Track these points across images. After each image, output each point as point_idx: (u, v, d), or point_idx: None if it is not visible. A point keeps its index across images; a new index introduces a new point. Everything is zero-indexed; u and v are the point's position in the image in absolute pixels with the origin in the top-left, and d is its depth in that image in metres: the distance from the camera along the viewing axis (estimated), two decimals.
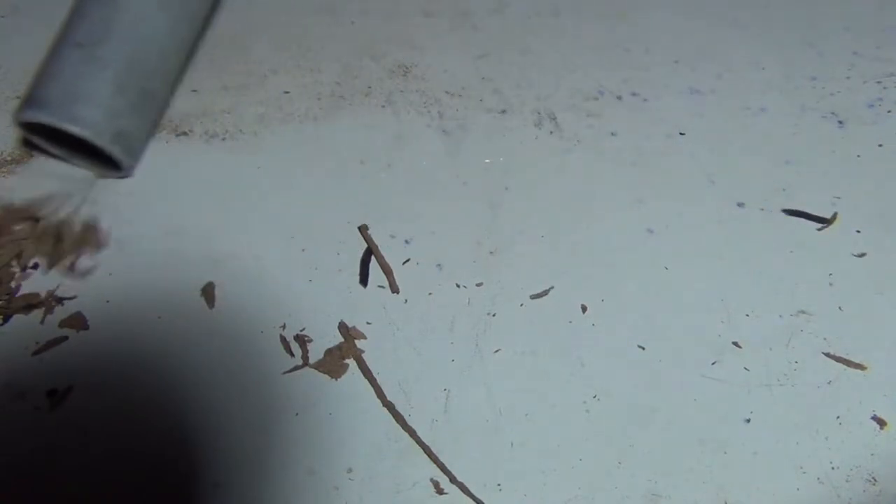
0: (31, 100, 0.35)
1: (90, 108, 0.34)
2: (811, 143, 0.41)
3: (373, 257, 0.36)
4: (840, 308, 0.35)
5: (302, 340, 0.34)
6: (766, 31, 0.46)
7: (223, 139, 0.40)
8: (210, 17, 0.44)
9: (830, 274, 0.36)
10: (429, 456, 0.31)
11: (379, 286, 0.35)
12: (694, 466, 0.31)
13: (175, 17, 0.38)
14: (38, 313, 0.34)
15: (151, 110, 0.38)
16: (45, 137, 0.36)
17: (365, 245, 0.37)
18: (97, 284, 0.34)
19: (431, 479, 0.31)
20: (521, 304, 0.35)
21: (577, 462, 0.31)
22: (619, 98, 0.43)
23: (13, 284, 0.34)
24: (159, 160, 0.39)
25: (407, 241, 0.37)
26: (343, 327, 0.34)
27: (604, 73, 0.44)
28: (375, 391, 0.32)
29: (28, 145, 0.39)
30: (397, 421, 0.32)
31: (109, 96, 0.35)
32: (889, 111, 0.43)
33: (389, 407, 0.32)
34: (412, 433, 0.31)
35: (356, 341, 0.34)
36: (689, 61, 0.45)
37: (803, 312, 0.35)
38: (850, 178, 0.40)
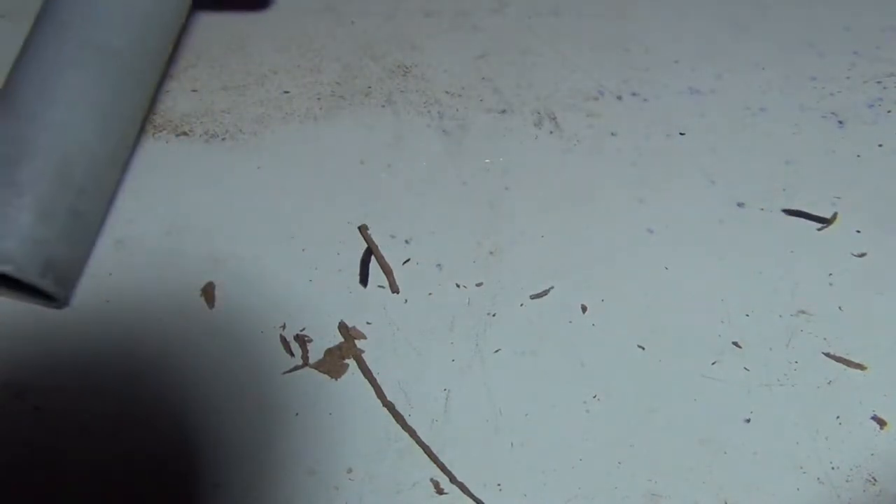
0: None
1: (10, 240, 0.29)
2: (811, 143, 0.41)
3: (373, 257, 0.36)
4: (840, 308, 0.35)
5: (302, 340, 0.34)
6: (766, 31, 0.46)
7: (223, 139, 0.40)
8: (156, 92, 0.38)
9: (830, 274, 0.36)
10: (429, 456, 0.31)
11: (379, 286, 0.35)
12: (694, 466, 0.31)
13: (107, 117, 0.32)
14: None
15: (86, 230, 0.33)
16: None
17: (365, 245, 0.37)
18: (97, 284, 0.34)
19: (431, 479, 0.31)
20: (521, 304, 0.35)
21: (577, 462, 0.31)
22: (619, 98, 0.43)
23: None
24: (159, 160, 0.39)
25: (407, 241, 0.37)
26: (343, 327, 0.34)
27: (604, 73, 0.44)
28: (375, 391, 0.32)
29: None
30: (397, 421, 0.32)
31: (31, 225, 0.30)
32: (889, 111, 0.43)
33: (389, 407, 0.32)
34: (412, 433, 0.31)
35: (356, 341, 0.34)
36: (689, 61, 0.45)
37: (803, 312, 0.35)
38: (850, 178, 0.40)
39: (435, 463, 0.31)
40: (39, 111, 0.31)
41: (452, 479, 0.30)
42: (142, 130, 0.37)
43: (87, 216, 0.32)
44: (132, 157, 0.38)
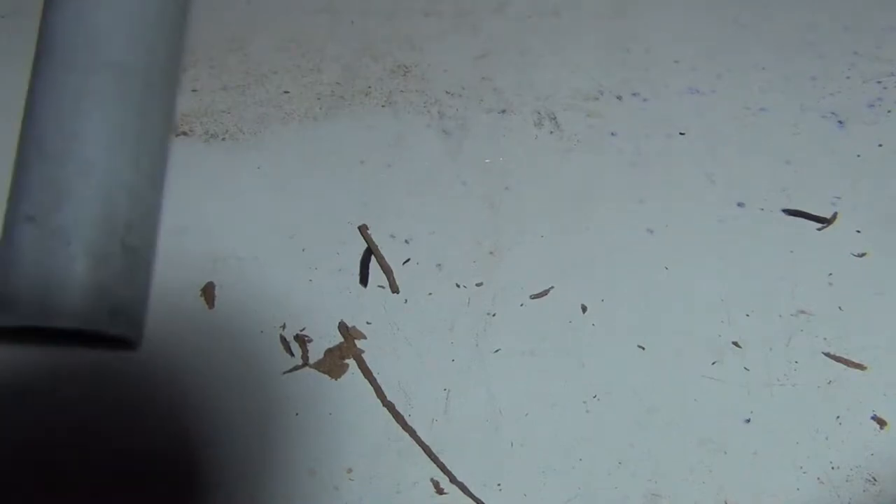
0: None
1: (68, 293, 0.27)
2: (811, 143, 0.41)
3: (373, 257, 0.36)
4: (840, 308, 0.35)
5: (302, 340, 0.34)
6: (766, 31, 0.46)
7: (223, 139, 0.40)
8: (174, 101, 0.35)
9: (830, 274, 0.36)
10: (429, 456, 0.31)
11: (379, 286, 0.35)
12: (694, 466, 0.31)
13: (137, 139, 0.31)
14: None
15: (143, 264, 0.32)
16: (20, 337, 0.30)
17: (365, 245, 0.37)
18: None
19: (432, 479, 0.31)
20: (521, 304, 0.35)
21: (577, 462, 0.31)
22: (619, 98, 0.43)
23: None
24: None
25: (407, 241, 0.37)
26: (343, 327, 0.34)
27: (604, 73, 0.44)
28: (375, 391, 0.32)
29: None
30: (397, 421, 0.32)
31: (87, 272, 0.28)
32: (889, 111, 0.43)
33: (390, 407, 0.32)
34: (412, 433, 0.31)
35: (356, 341, 0.34)
36: (689, 61, 0.45)
37: (803, 312, 0.35)
38: (850, 178, 0.40)
39: (435, 463, 0.31)
40: (69, 149, 0.29)
41: (452, 479, 0.30)
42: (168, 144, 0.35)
43: (140, 250, 0.31)
44: (164, 172, 0.36)
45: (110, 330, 0.29)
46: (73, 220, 0.28)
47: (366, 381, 0.33)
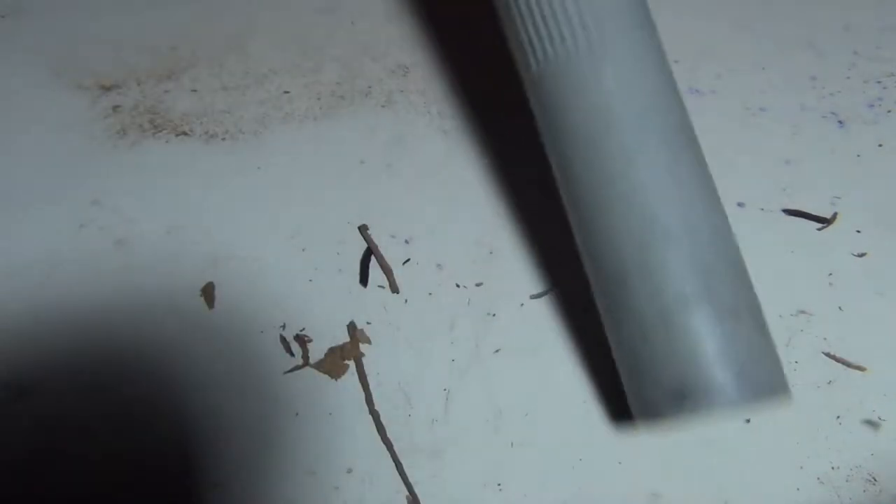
0: (670, 388, 0.24)
1: (735, 368, 0.24)
2: (811, 143, 0.41)
3: (373, 257, 0.36)
4: (840, 308, 0.35)
5: (302, 340, 0.34)
6: (766, 31, 0.46)
7: (223, 139, 0.40)
8: None
9: (830, 274, 0.36)
10: (399, 472, 0.30)
11: (379, 286, 0.35)
12: (694, 466, 0.31)
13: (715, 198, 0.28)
14: None
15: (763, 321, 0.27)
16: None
17: (365, 245, 0.37)
18: (97, 284, 0.34)
19: (432, 479, 0.31)
20: (522, 304, 0.35)
21: (577, 462, 0.31)
22: None
23: None
24: (159, 160, 0.39)
25: (407, 241, 0.37)
26: (352, 328, 0.34)
27: None
28: (366, 397, 0.32)
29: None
30: (379, 432, 0.31)
31: (746, 344, 0.25)
32: (889, 111, 0.43)
33: (375, 416, 0.32)
34: (390, 446, 0.31)
35: (361, 344, 0.34)
36: (689, 61, 0.45)
37: (803, 312, 0.35)
38: (850, 178, 0.40)
39: (403, 481, 0.30)
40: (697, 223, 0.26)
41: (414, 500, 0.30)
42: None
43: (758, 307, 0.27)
44: None
45: (774, 396, 0.25)
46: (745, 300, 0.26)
47: (366, 380, 0.33)
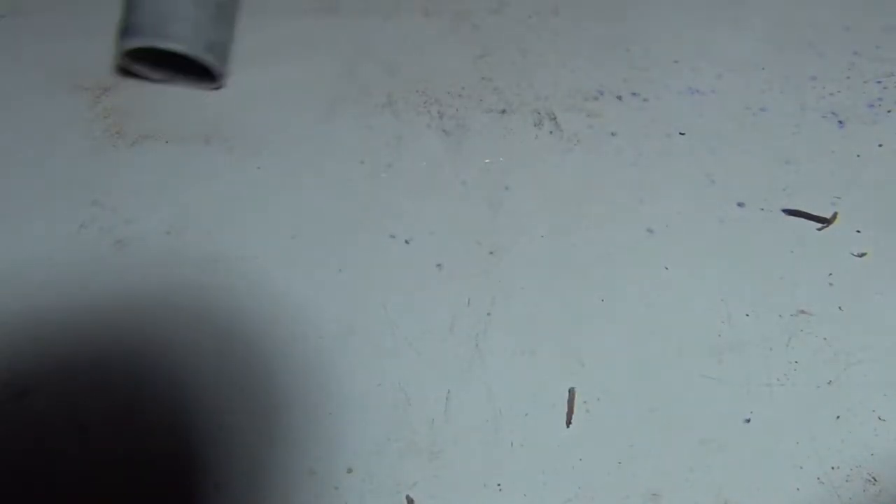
0: (129, 29, 0.37)
1: (180, 25, 0.37)
2: (811, 143, 0.41)
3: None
4: (840, 308, 0.35)
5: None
6: (766, 31, 0.46)
7: (223, 139, 0.40)
8: None
9: (830, 274, 0.36)
10: None
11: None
12: (694, 466, 0.31)
13: None
14: None
15: (229, 19, 0.40)
16: (142, 63, 0.40)
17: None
18: (97, 283, 0.34)
19: (433, 479, 0.31)
20: (521, 304, 0.35)
21: (577, 462, 0.31)
22: (619, 98, 0.43)
23: None
24: (159, 160, 0.39)
25: (407, 241, 0.37)
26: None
27: (604, 73, 0.44)
28: None
29: (125, 73, 0.41)
30: None
31: (192, 13, 0.37)
32: (889, 111, 0.43)
33: None
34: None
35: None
36: (689, 61, 0.45)
37: (803, 312, 0.35)
38: (850, 178, 0.40)
39: None
40: None
41: None
42: None
43: (226, 6, 0.40)
44: None
45: (204, 58, 0.38)
46: None
47: (366, 380, 0.33)
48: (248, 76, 0.43)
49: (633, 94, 0.43)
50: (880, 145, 0.41)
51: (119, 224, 0.37)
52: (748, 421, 0.32)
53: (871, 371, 0.34)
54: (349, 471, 0.31)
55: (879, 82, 0.44)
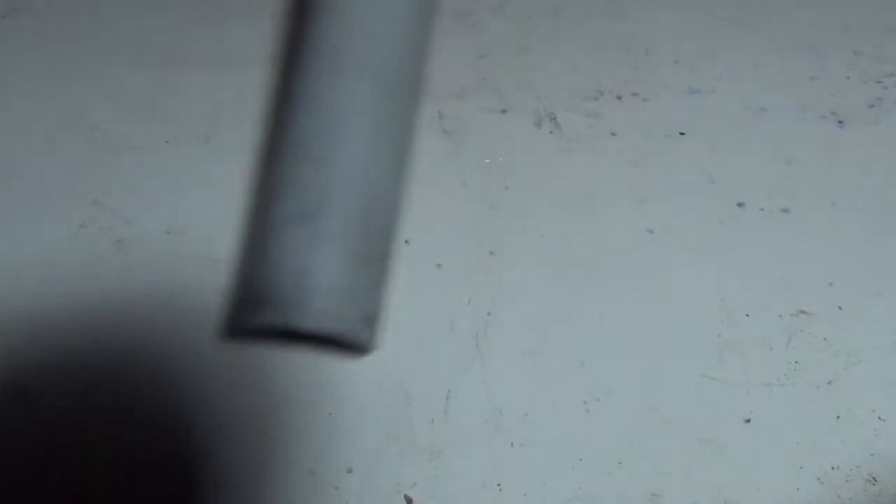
0: (257, 298, 0.28)
1: (329, 299, 0.28)
2: (811, 143, 0.41)
3: None
4: (840, 308, 0.35)
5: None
6: (766, 31, 0.46)
7: (223, 139, 0.40)
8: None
9: (830, 274, 0.36)
10: None
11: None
12: (694, 466, 0.31)
13: (396, 150, 0.31)
14: None
15: (387, 273, 0.32)
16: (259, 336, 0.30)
17: None
18: (97, 284, 0.34)
19: (432, 479, 0.31)
20: (521, 304, 0.35)
21: (577, 462, 0.31)
22: (619, 98, 0.43)
23: None
24: (159, 160, 0.39)
25: (407, 241, 0.37)
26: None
27: (604, 73, 0.44)
28: None
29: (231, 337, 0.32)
30: None
31: (347, 277, 0.29)
32: (889, 111, 0.43)
33: None
34: None
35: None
36: (689, 61, 0.45)
37: (803, 312, 0.35)
38: (850, 178, 0.40)
39: None
40: (335, 153, 0.28)
41: None
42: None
43: (388, 259, 0.29)
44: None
45: (359, 340, 0.27)
46: (336, 225, 0.27)
47: (366, 380, 0.33)
48: (248, 76, 0.43)
49: (633, 94, 0.43)
50: (880, 145, 0.41)
51: (119, 224, 0.37)
52: (748, 421, 0.32)
53: (871, 371, 0.34)
54: (349, 471, 0.31)
55: (879, 82, 0.44)
